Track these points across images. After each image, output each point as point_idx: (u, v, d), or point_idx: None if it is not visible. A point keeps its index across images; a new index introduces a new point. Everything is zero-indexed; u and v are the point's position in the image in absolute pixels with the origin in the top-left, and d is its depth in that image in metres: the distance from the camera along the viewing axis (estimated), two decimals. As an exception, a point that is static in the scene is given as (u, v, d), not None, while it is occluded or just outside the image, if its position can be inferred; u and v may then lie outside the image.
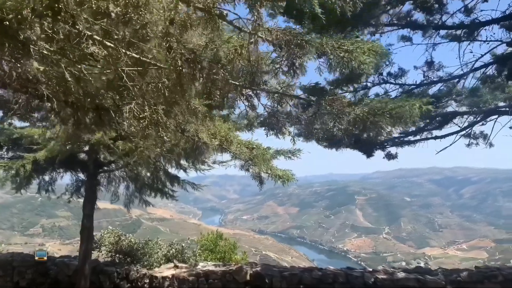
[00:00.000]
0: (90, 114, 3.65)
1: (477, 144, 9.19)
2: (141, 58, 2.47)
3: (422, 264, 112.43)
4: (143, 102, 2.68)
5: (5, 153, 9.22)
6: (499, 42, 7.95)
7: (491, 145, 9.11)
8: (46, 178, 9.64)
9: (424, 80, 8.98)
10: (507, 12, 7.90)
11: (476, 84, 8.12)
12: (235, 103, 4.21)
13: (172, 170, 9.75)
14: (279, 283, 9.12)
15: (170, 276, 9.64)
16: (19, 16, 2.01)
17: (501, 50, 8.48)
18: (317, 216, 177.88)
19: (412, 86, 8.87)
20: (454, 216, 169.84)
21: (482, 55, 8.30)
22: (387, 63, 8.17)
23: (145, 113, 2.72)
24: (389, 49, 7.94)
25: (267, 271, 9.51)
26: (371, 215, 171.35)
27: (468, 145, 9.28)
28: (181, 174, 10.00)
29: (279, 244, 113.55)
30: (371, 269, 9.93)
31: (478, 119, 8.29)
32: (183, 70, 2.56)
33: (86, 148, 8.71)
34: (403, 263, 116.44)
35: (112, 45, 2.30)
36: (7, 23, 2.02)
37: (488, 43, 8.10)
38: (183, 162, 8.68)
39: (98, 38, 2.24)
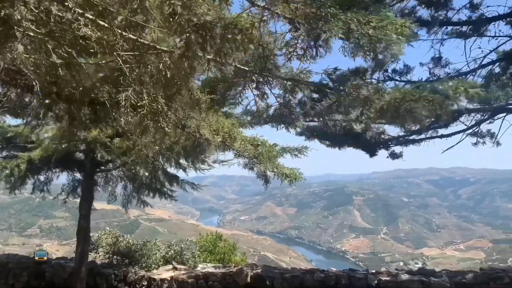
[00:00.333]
0: (85, 108, 3.42)
1: (483, 143, 9.03)
2: (139, 39, 2.24)
3: (420, 264, 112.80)
4: (141, 89, 2.43)
5: (-1, 152, 9.01)
6: (508, 38, 7.77)
7: (498, 144, 8.93)
8: (41, 178, 9.42)
9: (430, 77, 8.80)
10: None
11: (485, 81, 7.92)
12: (243, 92, 3.86)
13: (171, 170, 9.55)
14: (280, 285, 8.96)
15: (169, 278, 9.46)
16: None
17: (510, 46, 8.34)
18: (315, 217, 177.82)
19: (418, 83, 8.65)
20: (452, 217, 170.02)
21: (491, 51, 8.12)
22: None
23: (144, 101, 2.47)
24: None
25: (268, 273, 9.34)
26: (369, 215, 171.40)
27: (475, 144, 9.10)
28: (180, 174, 9.83)
29: (278, 245, 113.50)
30: (374, 271, 9.75)
31: (486, 117, 8.10)
32: (192, 37, 2.28)
33: (83, 147, 8.50)
34: (401, 263, 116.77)
35: (106, 25, 2.07)
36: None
37: (496, 39, 7.92)
38: (182, 161, 8.47)
39: (90, 16, 2.01)
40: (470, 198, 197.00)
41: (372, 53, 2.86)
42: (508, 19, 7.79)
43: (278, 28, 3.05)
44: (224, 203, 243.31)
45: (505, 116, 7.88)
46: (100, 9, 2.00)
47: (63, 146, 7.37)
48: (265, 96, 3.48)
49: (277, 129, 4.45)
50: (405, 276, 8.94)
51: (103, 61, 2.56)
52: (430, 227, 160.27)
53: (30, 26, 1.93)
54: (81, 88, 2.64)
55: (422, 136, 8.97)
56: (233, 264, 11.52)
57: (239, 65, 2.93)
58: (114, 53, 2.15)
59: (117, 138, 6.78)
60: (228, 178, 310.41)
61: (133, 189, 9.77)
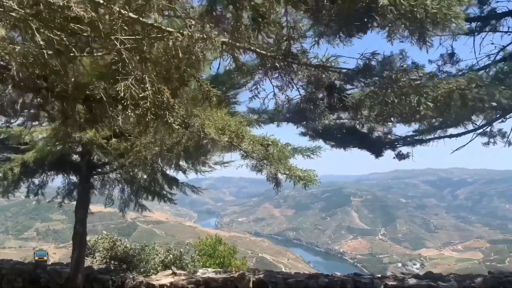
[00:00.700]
0: (79, 106, 3.12)
1: (494, 143, 8.77)
2: (141, 19, 1.92)
3: (418, 265, 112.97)
4: (143, 78, 2.10)
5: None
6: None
7: (510, 143, 8.67)
8: (36, 181, 9.13)
9: (440, 74, 8.52)
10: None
11: (495, 78, 7.67)
12: (260, 84, 3.40)
13: (171, 172, 9.28)
14: (283, 291, 8.68)
15: (168, 284, 9.17)
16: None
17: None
18: (313, 218, 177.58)
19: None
20: (450, 217, 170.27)
21: (504, 47, 7.87)
22: (401, 56, 7.60)
23: (146, 92, 2.15)
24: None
25: (271, 278, 9.05)
26: (367, 216, 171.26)
27: (487, 143, 8.83)
28: (178, 176, 9.57)
29: (276, 246, 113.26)
30: (379, 275, 9.50)
31: (498, 116, 7.85)
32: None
33: (79, 148, 8.22)
34: (399, 264, 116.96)
35: (102, 1, 1.76)
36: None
37: (510, 34, 7.68)
38: (182, 163, 8.18)
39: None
40: (467, 198, 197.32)
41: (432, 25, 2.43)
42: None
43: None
44: (221, 205, 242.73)
45: (517, 114, 7.63)
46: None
47: (57, 148, 7.08)
48: (290, 85, 3.09)
49: (297, 126, 4.10)
50: (412, 281, 8.70)
51: (100, 50, 2.24)
52: (428, 228, 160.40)
53: (12, 4, 1.64)
54: (73, 79, 2.33)
55: (431, 136, 8.72)
56: (234, 269, 11.26)
57: (258, 50, 2.58)
58: (112, 37, 1.85)
59: (114, 139, 6.49)
60: (226, 180, 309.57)
61: (131, 192, 9.49)
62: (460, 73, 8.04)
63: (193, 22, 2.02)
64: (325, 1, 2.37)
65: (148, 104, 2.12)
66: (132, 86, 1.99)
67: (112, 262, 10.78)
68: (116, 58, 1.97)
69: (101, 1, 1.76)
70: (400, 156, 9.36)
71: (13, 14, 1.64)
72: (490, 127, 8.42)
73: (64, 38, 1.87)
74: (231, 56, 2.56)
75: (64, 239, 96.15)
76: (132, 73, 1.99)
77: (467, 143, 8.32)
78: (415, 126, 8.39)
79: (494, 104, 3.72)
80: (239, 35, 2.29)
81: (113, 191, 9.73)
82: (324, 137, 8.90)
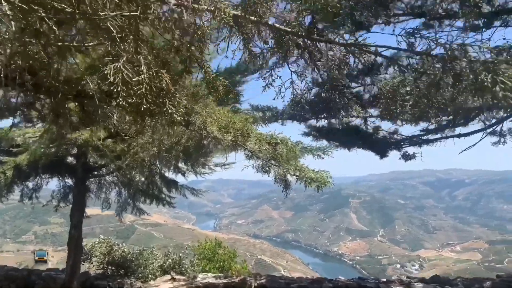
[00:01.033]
0: (70, 103, 2.84)
1: (504, 142, 8.52)
2: None
3: (417, 266, 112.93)
4: (137, 59, 1.77)
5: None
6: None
7: (521, 143, 8.44)
8: (30, 185, 8.84)
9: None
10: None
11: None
12: (275, 70, 2.96)
13: (169, 174, 8.98)
14: (286, 297, 8.42)
15: (167, 290, 8.88)
16: None
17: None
18: (312, 220, 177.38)
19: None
20: (448, 218, 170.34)
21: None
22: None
23: (141, 76, 1.85)
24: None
25: (273, 283, 8.79)
26: (365, 218, 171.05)
27: (497, 143, 8.57)
28: (177, 178, 9.28)
29: (274, 248, 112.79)
30: (385, 279, 9.22)
31: (508, 114, 7.59)
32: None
33: (73, 150, 7.93)
34: (398, 266, 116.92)
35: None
36: None
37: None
38: (181, 165, 7.89)
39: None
40: (466, 199, 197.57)
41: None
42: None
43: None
44: (220, 207, 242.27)
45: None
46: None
47: (51, 150, 6.80)
48: (313, 70, 2.70)
49: (317, 120, 3.77)
50: (418, 285, 8.45)
51: (91, 40, 1.96)
52: (427, 229, 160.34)
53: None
54: (62, 73, 2.05)
55: (438, 135, 8.47)
56: (234, 273, 10.97)
57: (277, 25, 2.22)
58: (100, 13, 1.56)
59: (110, 140, 6.20)
60: (225, 182, 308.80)
61: (128, 196, 9.19)
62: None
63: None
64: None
65: (143, 89, 1.81)
66: (123, 69, 1.69)
67: (110, 267, 10.45)
68: (105, 36, 1.68)
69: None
70: (406, 157, 9.09)
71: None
72: (501, 126, 8.17)
73: (46, 19, 1.59)
74: (241, 37, 2.26)
75: (63, 242, 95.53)
76: (124, 54, 1.70)
77: (477, 142, 8.08)
78: (423, 125, 8.12)
79: None
80: (254, 7, 1.99)
81: (109, 194, 9.45)
82: (327, 137, 8.63)
